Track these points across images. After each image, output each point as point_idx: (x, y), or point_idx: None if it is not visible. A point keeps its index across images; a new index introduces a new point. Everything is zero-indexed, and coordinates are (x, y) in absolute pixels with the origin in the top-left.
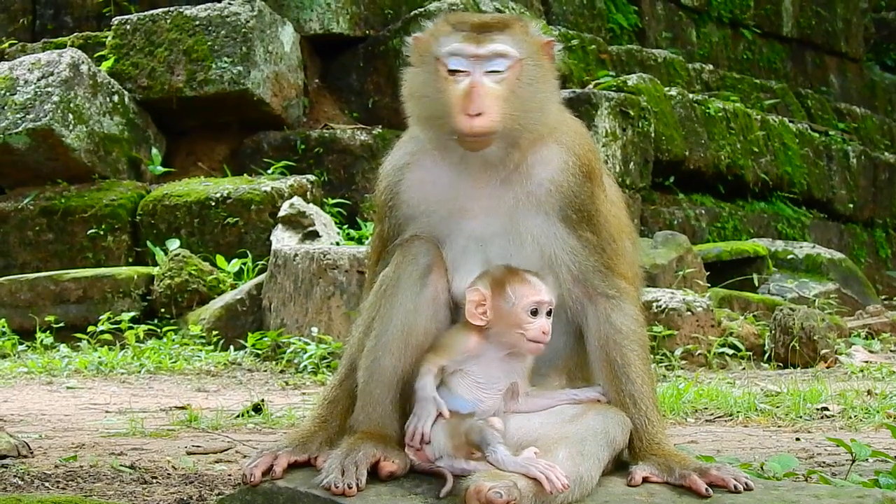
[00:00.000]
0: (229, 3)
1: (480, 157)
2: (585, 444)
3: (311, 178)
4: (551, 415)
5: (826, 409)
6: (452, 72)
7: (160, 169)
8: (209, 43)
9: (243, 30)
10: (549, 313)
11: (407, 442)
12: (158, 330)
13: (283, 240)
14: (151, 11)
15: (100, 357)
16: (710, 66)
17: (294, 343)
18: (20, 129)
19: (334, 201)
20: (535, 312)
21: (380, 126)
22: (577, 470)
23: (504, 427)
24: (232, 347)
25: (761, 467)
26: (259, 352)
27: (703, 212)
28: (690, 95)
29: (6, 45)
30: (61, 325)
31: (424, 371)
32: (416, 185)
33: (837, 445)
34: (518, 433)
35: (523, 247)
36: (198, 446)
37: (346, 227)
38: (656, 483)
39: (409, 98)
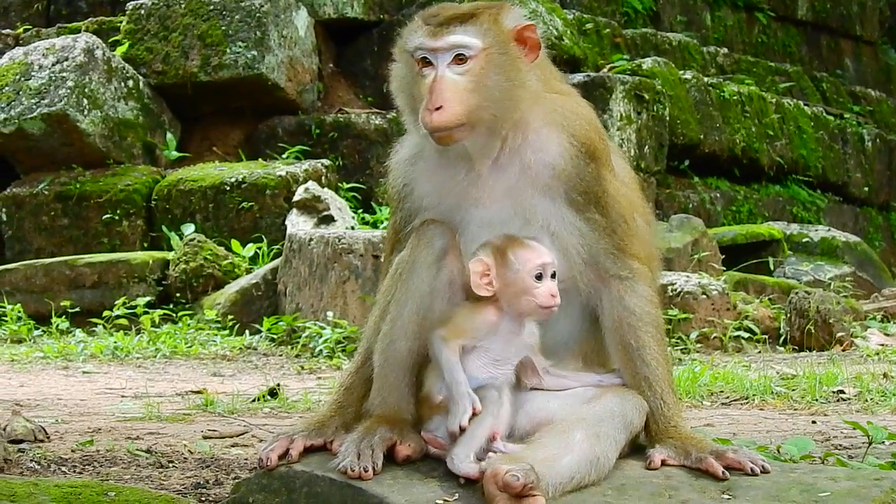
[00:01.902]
0: None
1: (460, 149)
2: (602, 425)
3: (326, 162)
4: (569, 397)
5: (842, 392)
6: (421, 66)
7: (175, 154)
8: (223, 28)
9: (257, 14)
10: (553, 276)
11: (450, 439)
12: (174, 315)
13: (298, 224)
14: None
15: (115, 342)
16: (725, 50)
17: (309, 327)
18: (35, 114)
19: (349, 186)
20: (539, 276)
21: (394, 110)
22: (593, 451)
23: (509, 399)
24: (247, 332)
25: (778, 450)
26: (274, 336)
27: (718, 195)
28: (705, 79)
29: (21, 30)
30: (77, 310)
31: (455, 359)
32: (425, 176)
33: (854, 428)
34: (538, 415)
35: (533, 231)
36: (214, 430)
37: (360, 211)
38: (673, 466)
39: (395, 94)
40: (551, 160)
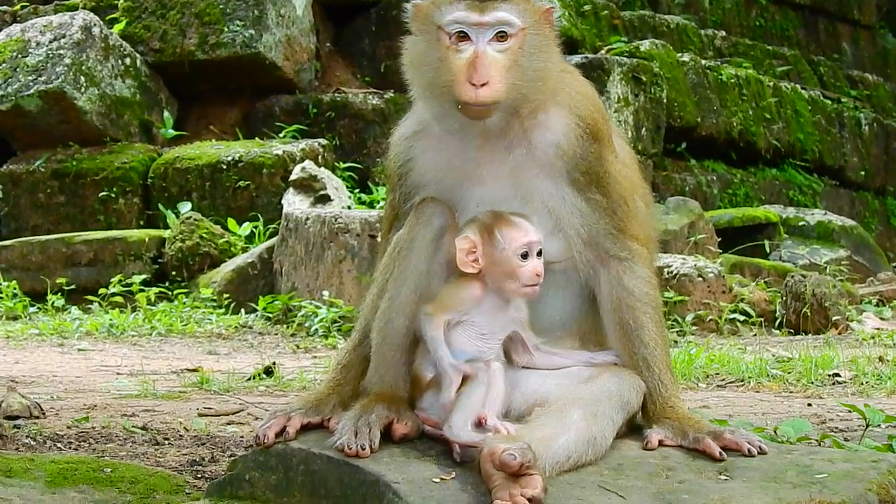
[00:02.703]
0: None
1: (481, 126)
2: (599, 405)
3: (323, 142)
4: (566, 376)
5: (837, 375)
6: (455, 41)
7: (172, 132)
8: (221, 6)
9: None
10: (539, 254)
11: (441, 418)
12: (170, 293)
13: (295, 203)
14: None
15: (111, 319)
16: (723, 33)
17: (305, 306)
18: (32, 91)
19: (346, 165)
20: (525, 255)
21: (392, 90)
22: (590, 431)
23: (502, 375)
24: (243, 311)
25: (775, 432)
26: (270, 315)
27: (714, 178)
28: (703, 62)
29: (18, 6)
30: (73, 287)
31: (438, 334)
32: (426, 153)
33: (850, 411)
34: (535, 395)
35: (533, 211)
36: (209, 408)
37: (357, 191)
38: (670, 446)
39: (410, 67)
40: (556, 139)
